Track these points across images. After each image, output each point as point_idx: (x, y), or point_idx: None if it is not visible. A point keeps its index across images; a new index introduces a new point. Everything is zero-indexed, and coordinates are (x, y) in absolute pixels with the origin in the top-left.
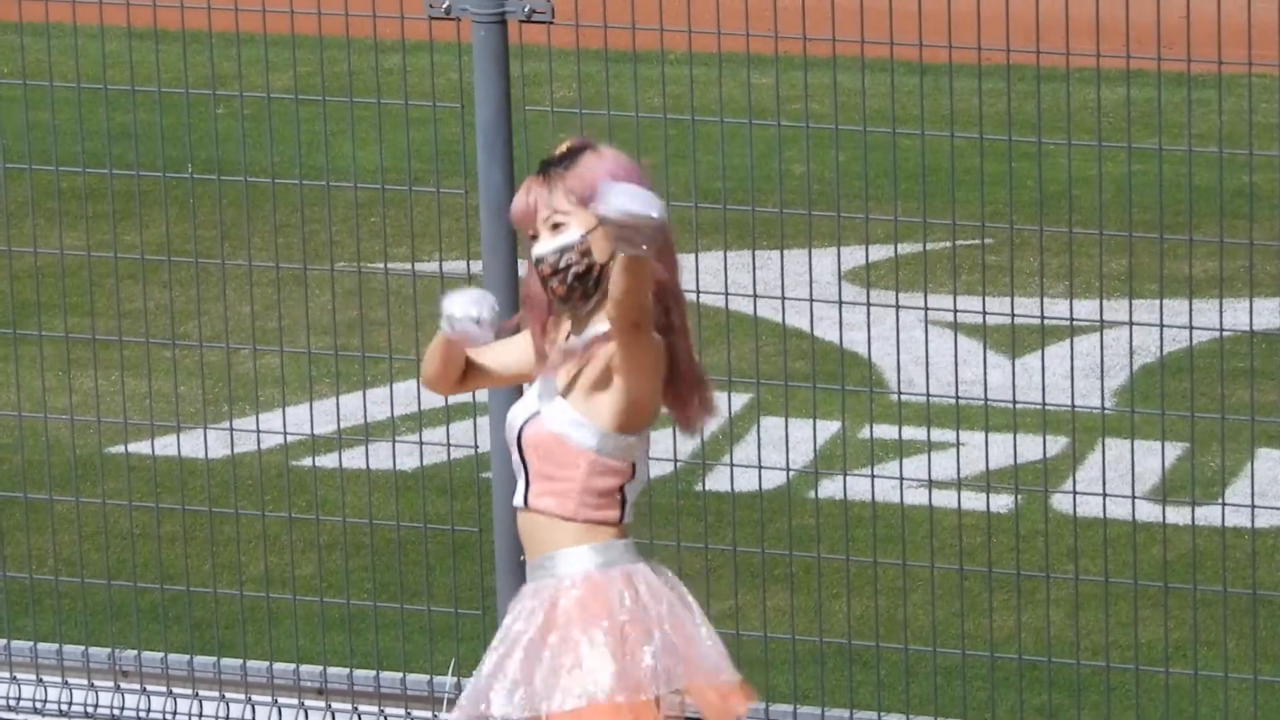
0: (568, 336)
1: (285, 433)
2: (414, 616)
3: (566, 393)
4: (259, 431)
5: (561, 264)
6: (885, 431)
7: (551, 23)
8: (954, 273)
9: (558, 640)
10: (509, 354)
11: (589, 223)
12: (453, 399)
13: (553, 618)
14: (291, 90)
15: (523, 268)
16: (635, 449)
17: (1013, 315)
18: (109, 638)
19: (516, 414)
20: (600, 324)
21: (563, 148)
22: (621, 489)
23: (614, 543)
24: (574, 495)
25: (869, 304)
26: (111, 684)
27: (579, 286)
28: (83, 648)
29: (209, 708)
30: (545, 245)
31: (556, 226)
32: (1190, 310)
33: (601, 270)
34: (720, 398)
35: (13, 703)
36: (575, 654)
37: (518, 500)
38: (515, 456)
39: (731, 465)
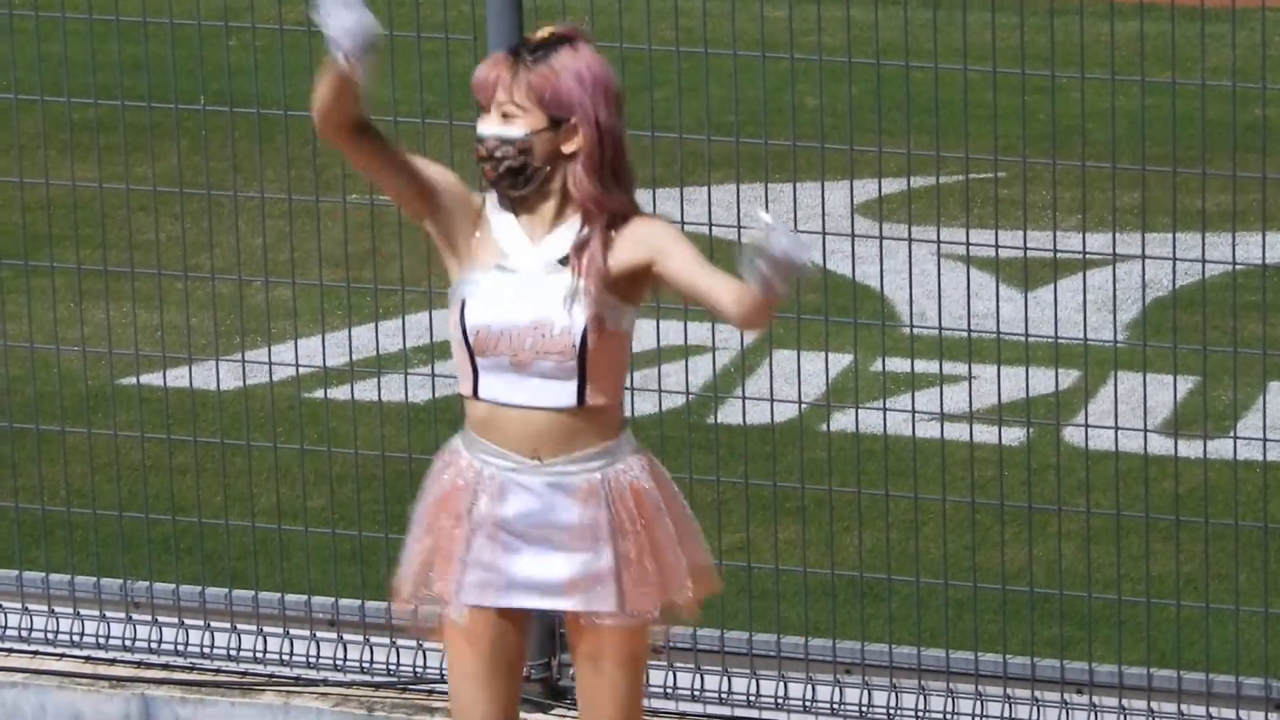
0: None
1: (297, 365)
2: None
3: (608, 287)
4: (271, 363)
5: (498, 153)
6: (897, 365)
7: None
8: (967, 206)
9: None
10: (429, 170)
11: (537, 124)
12: None
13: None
14: (304, 22)
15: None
16: None
17: (1025, 248)
18: (121, 569)
19: (563, 321)
20: (572, 226)
21: (545, 33)
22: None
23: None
24: (621, 381)
25: (881, 237)
26: (123, 615)
27: (509, 179)
28: (95, 579)
29: (220, 639)
30: (489, 129)
31: (506, 116)
32: (1203, 244)
33: (535, 171)
34: (732, 332)
35: (25, 634)
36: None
37: (559, 401)
38: (568, 363)
39: (744, 398)
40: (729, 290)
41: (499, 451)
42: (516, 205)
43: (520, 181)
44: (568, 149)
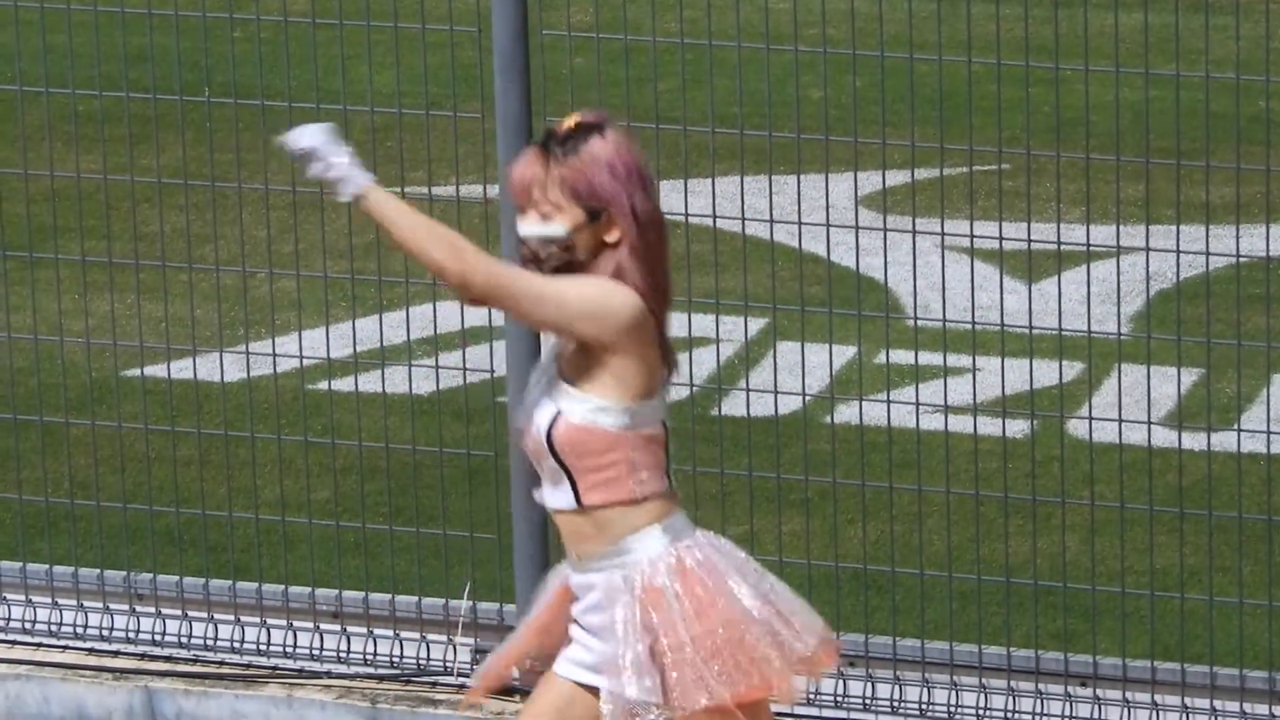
0: None
1: (301, 356)
2: (429, 540)
3: (577, 381)
4: (275, 355)
5: (542, 254)
6: (901, 357)
7: None
8: (971, 198)
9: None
10: None
11: (577, 219)
12: (469, 322)
13: (647, 611)
14: (308, 13)
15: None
16: (661, 409)
17: (1029, 241)
18: (124, 561)
19: (539, 420)
20: None
21: (572, 123)
22: (665, 451)
23: (677, 516)
24: (626, 478)
25: (885, 229)
26: (127, 607)
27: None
28: (98, 571)
29: (224, 631)
30: (530, 229)
31: (545, 215)
32: (1207, 236)
33: (581, 265)
34: (736, 324)
35: (28, 625)
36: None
37: (563, 503)
38: (550, 463)
39: (748, 390)
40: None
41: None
42: None
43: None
44: (610, 239)
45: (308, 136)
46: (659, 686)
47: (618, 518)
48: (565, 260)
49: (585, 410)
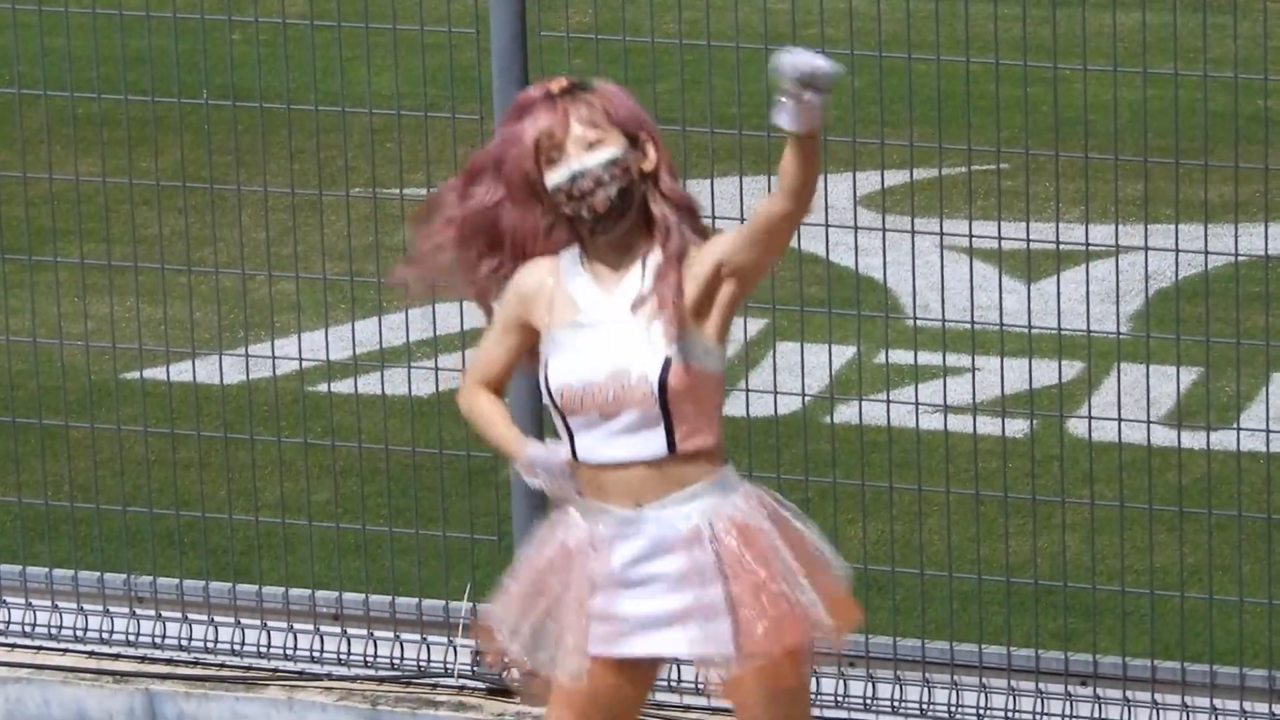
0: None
1: (301, 358)
2: (429, 542)
3: (683, 325)
4: (274, 357)
5: (606, 177)
6: (901, 357)
7: None
8: (970, 198)
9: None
10: (516, 339)
11: (623, 143)
12: (468, 323)
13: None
14: (307, 15)
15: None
16: None
17: (1028, 240)
18: (124, 564)
19: (639, 368)
20: (653, 254)
21: (564, 79)
22: None
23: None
24: (715, 424)
25: (884, 229)
26: (127, 610)
27: (619, 203)
28: (98, 574)
29: (224, 633)
30: (589, 160)
31: (593, 145)
32: (1205, 235)
33: (634, 193)
34: (736, 324)
35: (28, 629)
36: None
37: (648, 452)
38: (649, 412)
39: (747, 391)
40: (776, 190)
41: (601, 507)
42: (589, 257)
43: (625, 206)
44: (646, 166)
45: (808, 61)
46: (731, 633)
47: (705, 459)
48: (628, 183)
49: (698, 353)
